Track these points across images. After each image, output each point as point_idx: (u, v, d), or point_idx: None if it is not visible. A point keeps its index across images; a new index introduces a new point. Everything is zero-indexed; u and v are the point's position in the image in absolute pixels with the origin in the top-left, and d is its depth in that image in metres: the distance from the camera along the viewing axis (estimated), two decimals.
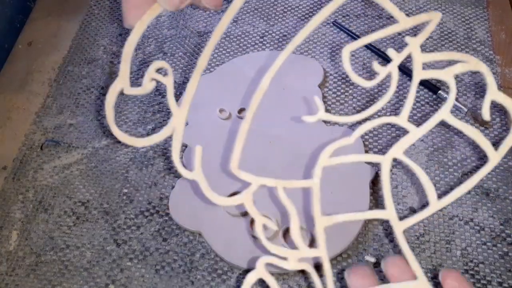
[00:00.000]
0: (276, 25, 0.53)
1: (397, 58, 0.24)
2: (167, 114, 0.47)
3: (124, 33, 0.53)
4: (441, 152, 0.44)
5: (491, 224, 0.40)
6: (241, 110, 0.45)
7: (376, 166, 0.43)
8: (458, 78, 0.48)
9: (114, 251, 0.39)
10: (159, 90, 0.49)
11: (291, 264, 0.25)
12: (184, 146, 0.45)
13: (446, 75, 0.25)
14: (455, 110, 0.46)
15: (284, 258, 0.25)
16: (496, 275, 0.37)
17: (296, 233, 0.25)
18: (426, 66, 0.25)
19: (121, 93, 0.26)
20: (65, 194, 0.43)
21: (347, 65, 0.24)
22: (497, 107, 0.46)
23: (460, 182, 0.42)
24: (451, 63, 0.25)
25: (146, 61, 0.51)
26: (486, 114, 0.25)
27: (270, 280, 0.24)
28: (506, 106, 0.25)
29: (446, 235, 0.39)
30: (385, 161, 0.25)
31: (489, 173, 0.42)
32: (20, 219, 0.41)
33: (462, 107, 0.46)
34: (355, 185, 0.41)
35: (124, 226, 0.41)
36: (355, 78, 0.25)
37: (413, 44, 0.24)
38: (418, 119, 0.46)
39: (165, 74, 0.25)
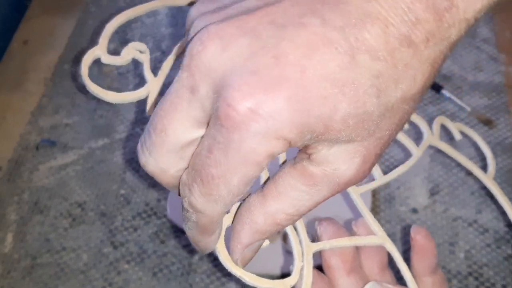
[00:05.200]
0: None
1: None
2: None
3: (121, 31, 0.53)
4: (444, 153, 0.43)
5: (495, 226, 0.39)
6: None
7: (378, 167, 0.42)
8: (462, 77, 0.48)
9: (111, 253, 0.39)
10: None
11: None
12: None
13: None
14: (458, 110, 0.45)
15: None
16: (500, 278, 0.37)
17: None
18: None
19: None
20: (61, 195, 0.42)
21: None
22: (501, 107, 0.46)
23: (463, 182, 0.41)
24: None
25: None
26: None
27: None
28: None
29: (449, 237, 0.39)
30: None
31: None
32: (16, 221, 0.41)
33: (466, 106, 0.45)
34: (356, 185, 0.40)
35: (121, 228, 0.40)
36: None
37: None
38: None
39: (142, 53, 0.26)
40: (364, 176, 0.20)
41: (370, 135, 0.18)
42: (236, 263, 0.22)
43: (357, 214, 0.27)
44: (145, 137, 0.20)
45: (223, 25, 0.18)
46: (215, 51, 0.17)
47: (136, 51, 0.26)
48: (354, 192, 0.28)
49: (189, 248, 0.39)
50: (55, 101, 0.48)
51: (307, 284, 0.23)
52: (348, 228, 0.27)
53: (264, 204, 0.20)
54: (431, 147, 0.44)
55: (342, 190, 0.20)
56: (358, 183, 0.20)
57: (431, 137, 0.33)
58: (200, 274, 0.38)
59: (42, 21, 0.54)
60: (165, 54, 0.50)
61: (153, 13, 0.54)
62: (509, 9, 0.53)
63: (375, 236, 0.26)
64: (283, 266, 0.37)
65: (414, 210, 0.40)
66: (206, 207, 0.20)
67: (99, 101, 0.51)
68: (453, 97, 0.46)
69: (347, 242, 0.25)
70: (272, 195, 0.20)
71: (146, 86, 0.25)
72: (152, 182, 0.42)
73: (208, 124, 0.19)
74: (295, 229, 0.25)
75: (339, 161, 0.19)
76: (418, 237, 0.26)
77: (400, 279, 0.27)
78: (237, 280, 0.37)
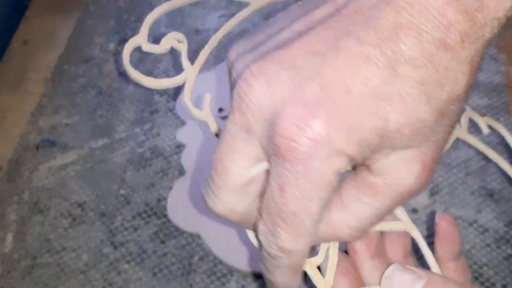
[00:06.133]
0: None
1: None
2: (165, 113, 0.46)
3: (121, 31, 0.53)
4: (444, 152, 0.43)
5: (495, 226, 0.39)
6: None
7: None
8: None
9: (111, 253, 0.39)
10: (156, 89, 0.48)
11: None
12: (183, 146, 0.44)
13: None
14: None
15: None
16: (500, 278, 0.37)
17: None
18: None
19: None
20: (61, 195, 0.42)
21: None
22: (501, 107, 0.46)
23: (463, 182, 0.41)
24: None
25: (144, 59, 0.50)
26: None
27: None
28: None
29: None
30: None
31: (493, 174, 0.42)
32: (16, 221, 0.41)
33: (466, 107, 0.45)
34: None
35: (121, 228, 0.40)
36: None
37: None
38: None
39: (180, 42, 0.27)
40: (426, 183, 0.20)
41: (426, 140, 0.19)
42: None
43: None
44: (209, 180, 0.21)
45: (263, 62, 0.19)
46: (261, 89, 0.18)
47: (174, 40, 0.27)
48: None
49: (189, 248, 0.39)
50: (55, 101, 0.48)
51: (333, 263, 0.24)
52: None
53: (328, 214, 0.21)
54: None
55: (405, 200, 0.20)
56: (421, 191, 0.20)
57: (459, 130, 0.33)
58: (200, 274, 0.38)
59: (42, 21, 0.54)
60: (164, 54, 0.50)
61: None
62: None
63: (401, 222, 0.26)
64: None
65: (414, 210, 0.40)
66: (296, 245, 0.20)
67: (99, 101, 0.52)
68: None
69: None
70: (336, 205, 0.21)
71: (183, 73, 0.27)
72: (152, 182, 0.42)
73: (267, 161, 0.19)
74: None
75: (398, 169, 0.19)
76: (443, 222, 0.26)
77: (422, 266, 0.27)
78: (237, 280, 0.37)
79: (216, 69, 0.48)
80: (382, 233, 0.26)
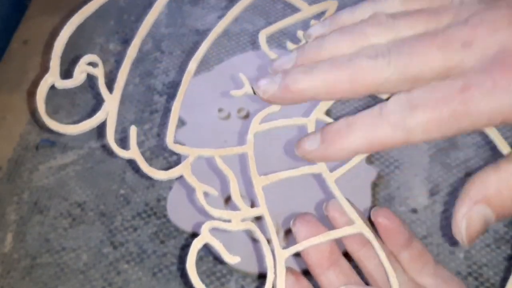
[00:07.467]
0: (276, 22, 0.52)
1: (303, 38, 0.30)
2: (165, 114, 0.46)
3: (121, 31, 0.53)
4: (444, 152, 0.43)
5: (495, 226, 0.39)
6: (241, 110, 0.45)
7: (377, 167, 0.42)
8: None
9: (110, 253, 0.39)
10: (156, 89, 0.48)
11: (235, 225, 0.25)
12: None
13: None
14: None
15: (228, 221, 0.25)
16: (500, 278, 0.37)
17: (236, 196, 0.25)
18: None
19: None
20: (61, 195, 0.42)
21: (264, 46, 0.29)
22: None
23: (463, 183, 0.41)
24: None
25: (144, 59, 0.50)
26: None
27: (216, 244, 0.24)
28: None
29: (449, 237, 0.39)
30: (309, 123, 0.28)
31: None
32: (15, 221, 0.41)
33: None
34: (356, 186, 0.40)
35: (121, 228, 0.40)
36: (272, 55, 0.29)
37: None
38: None
39: (96, 66, 0.25)
40: None
41: None
42: (459, 225, 0.23)
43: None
44: None
45: None
46: None
47: (88, 66, 0.25)
48: (329, 178, 0.26)
49: (189, 248, 0.39)
50: (55, 101, 0.48)
51: None
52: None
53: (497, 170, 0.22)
54: (431, 148, 0.44)
55: None
56: None
57: None
58: (200, 274, 0.37)
59: (42, 21, 0.54)
60: (164, 53, 0.50)
61: None
62: None
63: (351, 226, 0.25)
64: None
65: (414, 210, 0.40)
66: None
67: (98, 101, 0.51)
68: None
69: (321, 239, 0.25)
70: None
71: (103, 107, 0.24)
72: (152, 182, 0.42)
73: None
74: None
75: None
76: (380, 219, 0.27)
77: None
78: (237, 280, 0.37)
79: (216, 69, 0.48)
80: (335, 240, 0.26)
